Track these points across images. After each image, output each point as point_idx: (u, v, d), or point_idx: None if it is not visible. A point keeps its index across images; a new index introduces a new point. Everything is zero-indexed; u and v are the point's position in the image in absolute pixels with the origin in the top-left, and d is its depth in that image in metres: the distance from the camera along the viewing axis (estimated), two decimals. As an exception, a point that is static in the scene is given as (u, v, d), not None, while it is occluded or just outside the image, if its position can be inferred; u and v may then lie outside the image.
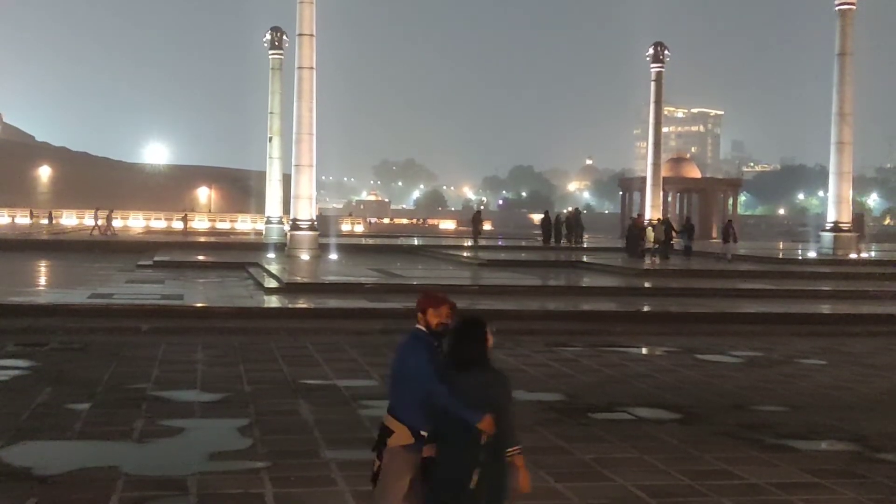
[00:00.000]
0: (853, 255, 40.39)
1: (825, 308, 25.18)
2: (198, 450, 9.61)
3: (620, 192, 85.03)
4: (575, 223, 53.04)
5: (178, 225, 68.11)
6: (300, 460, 9.24)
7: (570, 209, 56.16)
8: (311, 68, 37.58)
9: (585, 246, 51.07)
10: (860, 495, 8.42)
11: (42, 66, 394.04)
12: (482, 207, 59.87)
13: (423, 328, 5.61)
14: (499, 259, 39.23)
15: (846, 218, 42.23)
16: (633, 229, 41.34)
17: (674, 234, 41.17)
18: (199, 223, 79.78)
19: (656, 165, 57.40)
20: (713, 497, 8.24)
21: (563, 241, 51.82)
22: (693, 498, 8.22)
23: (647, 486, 8.48)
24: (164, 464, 9.04)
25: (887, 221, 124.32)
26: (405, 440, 5.45)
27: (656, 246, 40.43)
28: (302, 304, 22.38)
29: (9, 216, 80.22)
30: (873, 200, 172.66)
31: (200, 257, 38.08)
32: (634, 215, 48.60)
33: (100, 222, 59.43)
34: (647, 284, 29.99)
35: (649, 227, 44.78)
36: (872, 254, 45.55)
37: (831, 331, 20.99)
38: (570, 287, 28.39)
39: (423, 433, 5.44)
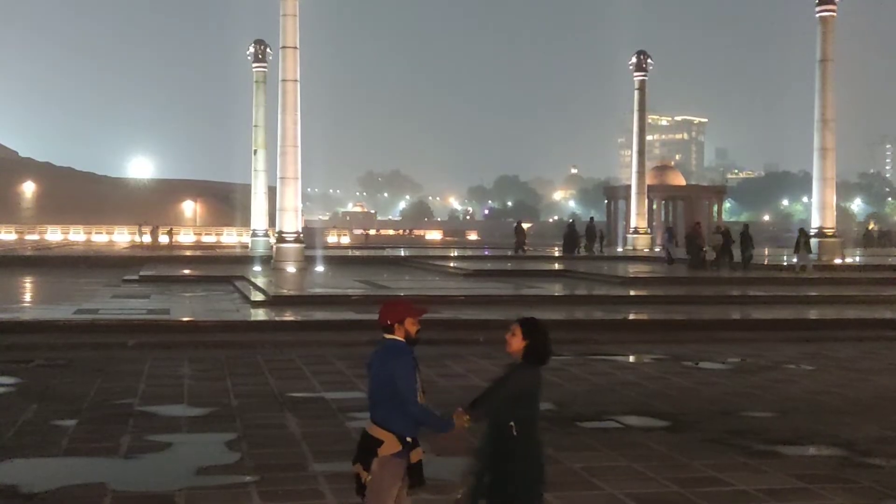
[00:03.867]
0: (838, 261, 40.55)
1: (812, 313, 25.28)
2: (185, 465, 9.57)
3: (606, 201, 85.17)
4: (594, 232, 53.41)
5: (146, 239, 67.95)
6: (288, 474, 9.21)
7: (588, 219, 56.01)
8: (296, 81, 37.58)
9: (608, 255, 50.79)
10: (848, 500, 8.44)
11: (25, 81, 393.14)
12: (520, 221, 59.39)
13: (402, 338, 5.63)
14: (485, 269, 39.22)
15: (830, 223, 42.41)
16: (694, 237, 38.51)
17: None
18: (185, 237, 79.56)
19: (641, 174, 57.59)
20: (702, 504, 8.25)
21: (583, 251, 51.79)
22: (682, 505, 8.22)
23: (635, 494, 8.48)
24: (151, 479, 9.00)
25: (871, 226, 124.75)
26: (394, 448, 5.54)
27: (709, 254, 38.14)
28: (288, 316, 22.33)
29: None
30: (857, 205, 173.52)
31: (186, 271, 37.95)
32: (694, 223, 44.67)
33: (146, 238, 61.17)
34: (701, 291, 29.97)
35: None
36: (857, 259, 45.73)
37: (818, 336, 21.05)
38: (568, 296, 28.41)
39: (408, 439, 5.56)
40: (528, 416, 5.63)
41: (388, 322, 5.69)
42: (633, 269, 38.67)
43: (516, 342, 5.75)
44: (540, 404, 5.79)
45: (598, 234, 54.09)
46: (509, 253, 52.63)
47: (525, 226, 58.62)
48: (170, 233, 70.95)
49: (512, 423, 5.53)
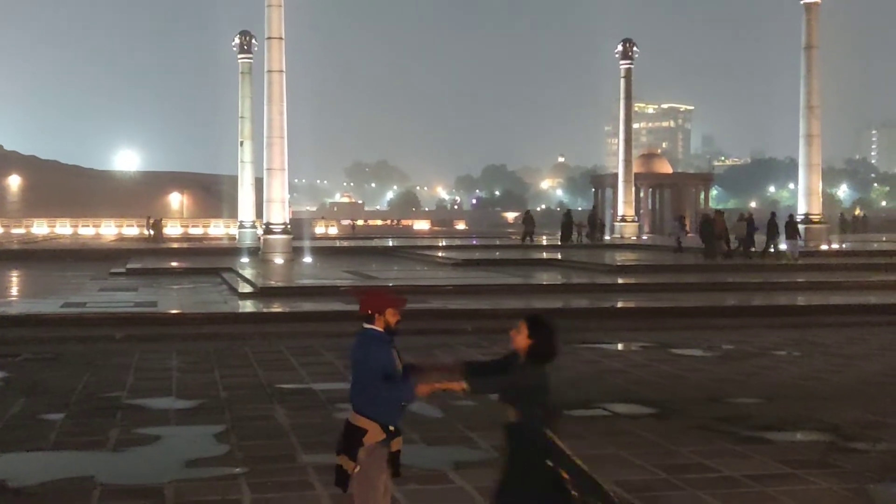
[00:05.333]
0: (824, 247, 40.73)
1: (798, 299, 25.40)
2: (174, 457, 9.58)
3: (593, 189, 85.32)
4: (596, 221, 53.43)
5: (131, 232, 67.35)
6: (277, 465, 9.23)
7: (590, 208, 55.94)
8: (281, 71, 37.49)
9: (599, 244, 50.73)
10: (834, 485, 8.51)
11: (8, 74, 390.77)
12: (529, 210, 59.21)
13: (381, 328, 5.66)
14: (473, 258, 39.24)
15: (817, 209, 42.61)
16: (709, 226, 36.83)
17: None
18: (172, 229, 79.28)
19: (628, 162, 57.67)
20: (689, 491, 8.30)
21: (586, 240, 51.79)
22: (669, 492, 8.28)
23: (623, 482, 8.52)
24: (140, 472, 9.01)
25: (857, 212, 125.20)
26: (379, 436, 5.61)
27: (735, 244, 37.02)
28: (276, 307, 22.32)
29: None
30: (843, 192, 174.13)
31: (174, 263, 37.85)
32: (712, 211, 42.65)
33: (150, 231, 61.59)
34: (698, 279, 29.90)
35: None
36: (844, 245, 45.92)
37: (804, 322, 21.15)
38: (557, 285, 28.47)
39: (391, 428, 5.64)
40: (533, 412, 5.59)
41: (369, 311, 5.73)
42: (643, 258, 38.63)
43: (521, 339, 5.72)
44: (549, 400, 5.72)
45: (598, 222, 54.14)
46: (518, 243, 52.30)
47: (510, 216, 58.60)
48: (156, 225, 70.38)
49: (518, 413, 5.55)
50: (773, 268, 33.46)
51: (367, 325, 5.72)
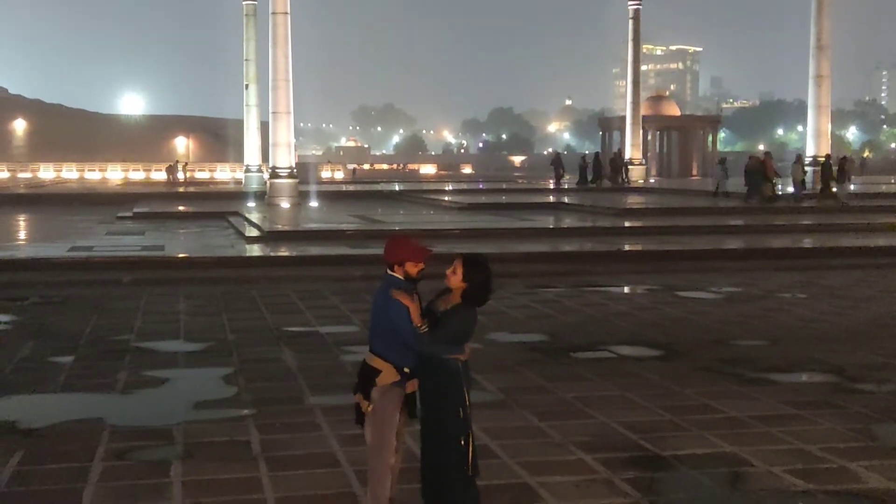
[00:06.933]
0: (833, 189, 40.51)
1: (805, 242, 25.34)
2: (182, 399, 9.65)
3: (600, 132, 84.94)
4: (619, 163, 53.02)
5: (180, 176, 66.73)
6: (285, 407, 9.29)
7: (614, 151, 54.98)
8: (286, 13, 37.06)
9: (615, 187, 50.33)
10: (838, 425, 8.55)
11: (13, 18, 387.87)
12: (559, 153, 58.61)
13: (401, 276, 5.67)
14: (480, 202, 39.17)
15: (825, 151, 42.32)
16: (759, 169, 35.22)
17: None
18: (178, 173, 79.16)
19: (635, 104, 57.22)
20: (694, 431, 8.35)
21: (607, 182, 51.44)
22: (675, 432, 8.33)
23: (629, 423, 8.57)
24: (149, 414, 9.08)
25: (866, 154, 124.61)
26: (393, 377, 5.67)
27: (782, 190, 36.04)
28: (283, 251, 22.36)
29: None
30: (852, 134, 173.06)
31: (180, 208, 37.89)
32: (761, 154, 40.06)
33: (180, 175, 63.07)
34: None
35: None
36: (852, 187, 45.72)
37: (811, 265, 21.12)
38: (563, 228, 28.43)
39: (406, 370, 5.69)
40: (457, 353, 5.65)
41: (390, 261, 5.73)
42: (669, 202, 38.46)
43: (455, 280, 5.68)
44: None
45: (622, 164, 53.66)
46: (551, 186, 51.92)
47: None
48: (184, 167, 69.56)
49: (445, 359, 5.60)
50: (779, 210, 33.35)
51: (389, 272, 5.73)
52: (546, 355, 11.74)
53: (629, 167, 54.75)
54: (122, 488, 6.96)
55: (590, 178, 51.52)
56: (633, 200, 39.16)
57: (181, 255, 21.85)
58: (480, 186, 57.75)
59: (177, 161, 68.50)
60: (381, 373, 5.68)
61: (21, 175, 76.45)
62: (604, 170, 53.01)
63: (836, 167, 36.23)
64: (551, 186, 51.55)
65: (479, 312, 5.80)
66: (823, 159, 37.67)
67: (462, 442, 5.60)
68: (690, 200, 38.62)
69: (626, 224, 29.70)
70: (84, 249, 22.24)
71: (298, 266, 20.36)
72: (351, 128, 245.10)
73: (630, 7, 55.57)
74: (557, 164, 53.31)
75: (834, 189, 36.62)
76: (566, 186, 51.01)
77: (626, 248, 23.93)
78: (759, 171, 35.43)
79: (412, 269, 5.70)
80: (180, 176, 63.14)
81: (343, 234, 25.12)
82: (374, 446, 5.77)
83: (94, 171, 79.50)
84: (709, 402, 9.34)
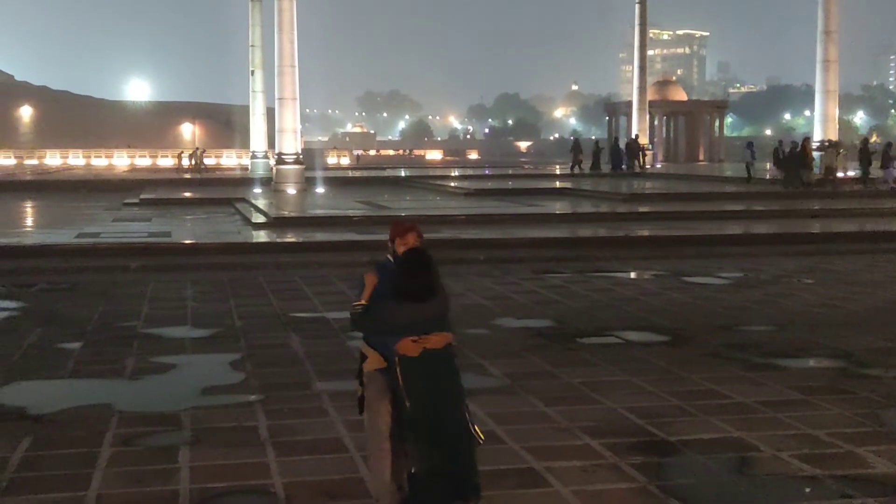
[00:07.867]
0: (840, 174, 40.41)
1: (813, 227, 25.29)
2: (190, 385, 9.67)
3: (607, 117, 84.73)
4: (637, 149, 52.55)
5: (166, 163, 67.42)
6: (292, 392, 9.31)
7: (631, 137, 54.40)
8: (291, -1, 37.02)
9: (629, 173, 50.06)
10: (846, 410, 8.54)
11: (19, 4, 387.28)
12: (578, 139, 58.03)
13: (390, 257, 5.70)
14: (486, 188, 39.13)
15: (833, 136, 42.13)
16: (799, 155, 35.05)
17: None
18: (184, 160, 79.23)
19: (642, 89, 57.05)
20: (701, 416, 8.35)
21: (624, 168, 51.13)
22: (681, 418, 8.33)
23: (635, 408, 8.57)
24: (157, 400, 9.10)
25: (874, 139, 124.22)
26: (377, 364, 5.65)
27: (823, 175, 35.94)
28: (290, 237, 22.37)
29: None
30: (859, 118, 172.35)
31: (187, 194, 37.94)
32: (799, 140, 39.17)
33: (194, 161, 63.37)
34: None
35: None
36: (858, 172, 45.54)
37: (818, 249, 21.09)
38: (569, 214, 28.40)
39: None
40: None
41: (389, 244, 5.77)
42: (695, 189, 38.13)
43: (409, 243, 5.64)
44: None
45: (640, 150, 52.97)
46: (569, 172, 51.22)
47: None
48: (197, 154, 69.64)
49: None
50: (787, 195, 33.26)
51: (388, 256, 5.76)
52: (552, 341, 11.74)
53: (645, 153, 54.33)
54: (131, 473, 6.99)
55: (608, 164, 51.28)
56: (663, 187, 38.90)
57: (188, 242, 21.89)
58: (487, 172, 57.67)
59: (196, 148, 68.57)
60: (367, 359, 5.71)
61: (28, 162, 76.59)
62: (623, 155, 52.49)
63: (878, 152, 36.01)
64: (570, 172, 51.09)
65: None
66: (861, 145, 37.21)
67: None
68: (720, 186, 38.53)
69: (634, 209, 29.62)
70: (91, 236, 22.29)
71: (305, 252, 20.38)
72: (357, 114, 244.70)
73: (637, -9, 55.31)
74: (577, 149, 52.76)
75: (871, 175, 36.51)
76: (587, 172, 50.27)
77: (634, 233, 23.87)
78: (800, 157, 35.23)
79: (399, 246, 5.70)
80: (199, 162, 63.43)
81: (349, 220, 25.13)
82: (367, 432, 5.80)
83: (100, 157, 79.56)
84: (716, 388, 9.34)
